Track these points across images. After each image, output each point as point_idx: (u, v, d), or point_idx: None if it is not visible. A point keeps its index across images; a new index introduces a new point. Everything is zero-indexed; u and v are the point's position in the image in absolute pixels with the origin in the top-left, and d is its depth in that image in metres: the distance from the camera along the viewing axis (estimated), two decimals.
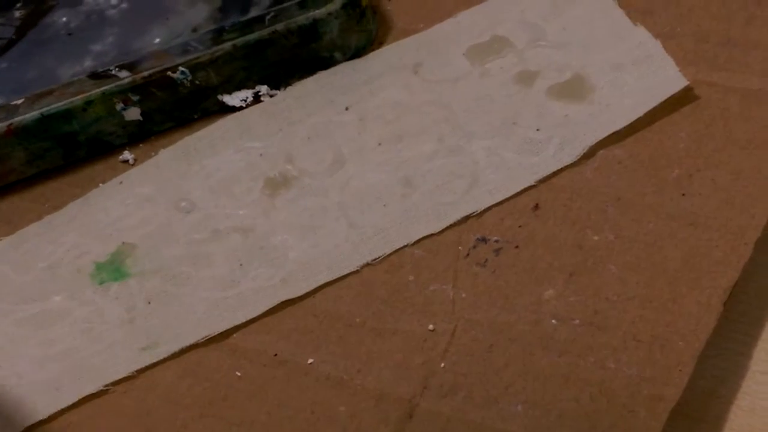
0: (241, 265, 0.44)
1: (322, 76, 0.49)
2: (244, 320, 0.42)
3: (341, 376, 0.40)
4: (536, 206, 0.43)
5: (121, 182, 0.48)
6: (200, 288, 0.44)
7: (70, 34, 0.52)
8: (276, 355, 0.41)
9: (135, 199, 0.47)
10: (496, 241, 0.42)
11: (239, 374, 0.41)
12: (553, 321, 0.40)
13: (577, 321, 0.39)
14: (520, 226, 0.43)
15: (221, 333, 0.42)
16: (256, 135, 0.48)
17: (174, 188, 0.47)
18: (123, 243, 0.46)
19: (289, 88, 0.49)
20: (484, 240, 0.43)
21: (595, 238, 0.42)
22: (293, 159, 0.47)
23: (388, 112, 0.47)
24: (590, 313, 0.40)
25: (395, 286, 0.42)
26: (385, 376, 0.40)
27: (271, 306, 0.42)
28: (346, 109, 0.48)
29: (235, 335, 0.42)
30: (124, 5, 0.52)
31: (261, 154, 0.47)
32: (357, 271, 0.43)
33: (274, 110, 0.48)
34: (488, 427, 0.37)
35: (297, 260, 0.44)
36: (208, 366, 0.41)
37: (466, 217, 0.43)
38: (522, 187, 0.44)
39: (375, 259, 0.43)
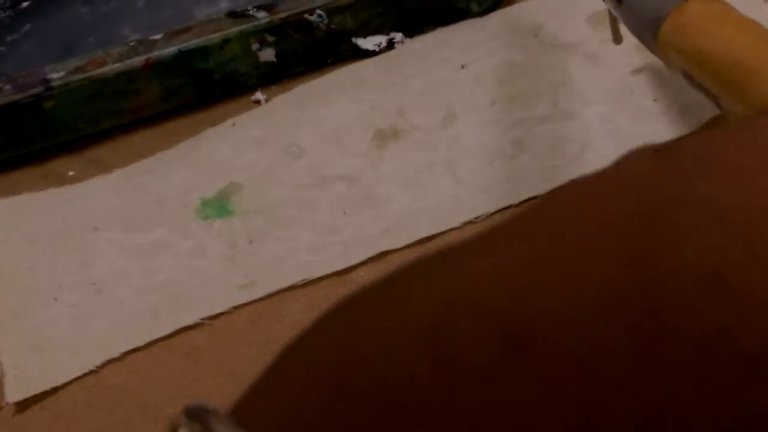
0: (344, 213, 0.44)
1: (440, 33, 0.49)
2: (343, 267, 0.42)
3: None
4: None
5: (233, 124, 0.48)
6: (303, 231, 0.44)
7: None
8: None
9: (246, 141, 0.47)
10: None
11: None
12: None
13: None
14: None
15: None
16: (370, 87, 0.48)
17: (285, 133, 0.47)
18: (231, 182, 0.46)
19: (407, 42, 0.49)
20: None
21: None
22: (405, 112, 0.47)
23: (504, 72, 0.47)
24: None
25: None
26: None
27: (371, 255, 0.42)
28: (462, 67, 0.48)
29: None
30: None
31: (373, 106, 0.47)
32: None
33: (389, 64, 0.49)
34: None
35: (400, 212, 0.44)
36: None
37: None
38: None
39: (478, 217, 0.43)
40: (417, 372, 0.18)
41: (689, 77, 0.37)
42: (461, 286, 0.19)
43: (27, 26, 0.52)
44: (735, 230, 0.18)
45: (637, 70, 0.46)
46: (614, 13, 0.41)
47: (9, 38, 0.52)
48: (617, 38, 0.43)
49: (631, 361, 0.17)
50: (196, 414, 0.19)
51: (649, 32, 0.38)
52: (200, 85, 0.49)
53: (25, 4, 0.53)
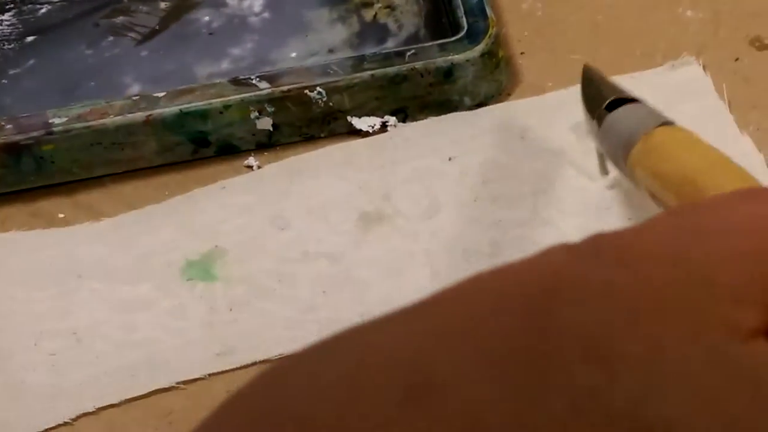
0: (324, 292, 0.45)
1: (432, 122, 0.51)
2: None
3: None
4: None
5: (224, 187, 0.49)
6: (283, 306, 0.45)
7: (211, 34, 0.54)
8: None
9: (234, 207, 0.49)
10: None
11: None
12: None
13: None
14: None
15: None
16: (359, 167, 0.49)
17: (273, 203, 0.48)
18: (216, 246, 0.47)
19: (399, 127, 0.50)
20: None
21: None
22: (391, 197, 0.48)
23: (489, 171, 0.48)
24: None
25: None
26: None
27: None
28: (450, 159, 0.49)
29: None
30: (266, 14, 0.55)
31: (360, 187, 0.49)
32: None
33: (380, 146, 0.50)
34: None
35: (377, 299, 0.45)
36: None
37: None
38: None
39: None
40: (329, 416, 0.20)
41: (654, 196, 0.40)
42: (378, 342, 0.22)
43: (30, 62, 0.53)
44: (618, 305, 0.20)
45: (617, 189, 0.47)
46: (592, 133, 0.44)
47: (11, 72, 0.53)
48: (603, 170, 0.46)
49: (512, 409, 0.19)
50: None
51: (621, 154, 0.42)
52: (196, 145, 0.50)
53: (29, 38, 0.54)
